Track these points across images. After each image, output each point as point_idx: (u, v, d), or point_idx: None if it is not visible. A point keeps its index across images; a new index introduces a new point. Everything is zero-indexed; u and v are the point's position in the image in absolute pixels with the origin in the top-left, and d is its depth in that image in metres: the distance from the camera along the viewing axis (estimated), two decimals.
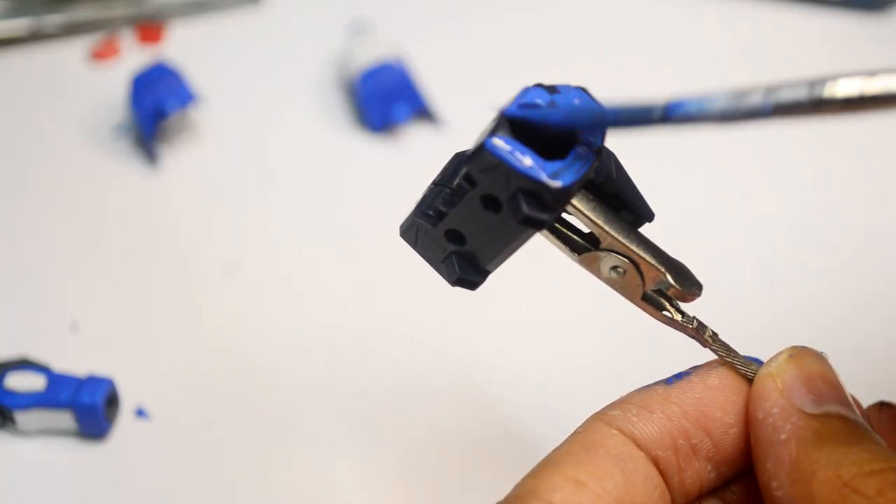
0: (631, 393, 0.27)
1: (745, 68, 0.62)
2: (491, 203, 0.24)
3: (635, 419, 0.26)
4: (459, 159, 0.25)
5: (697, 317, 0.27)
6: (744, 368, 0.26)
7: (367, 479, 0.41)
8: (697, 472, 0.26)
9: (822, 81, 0.20)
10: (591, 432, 0.25)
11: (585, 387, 0.43)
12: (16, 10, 0.63)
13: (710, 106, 0.21)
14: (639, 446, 0.25)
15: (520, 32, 0.64)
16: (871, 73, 0.20)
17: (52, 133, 0.58)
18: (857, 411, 0.25)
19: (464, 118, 0.57)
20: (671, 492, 0.26)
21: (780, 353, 0.26)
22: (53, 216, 0.53)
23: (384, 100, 0.56)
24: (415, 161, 0.56)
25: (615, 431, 0.25)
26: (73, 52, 0.62)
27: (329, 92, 0.60)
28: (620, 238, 0.25)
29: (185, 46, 0.62)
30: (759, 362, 0.26)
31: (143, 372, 0.44)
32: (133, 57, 0.62)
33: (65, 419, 0.41)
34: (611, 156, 0.25)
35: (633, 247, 0.25)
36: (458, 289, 0.27)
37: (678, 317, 0.27)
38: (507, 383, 0.44)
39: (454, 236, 0.26)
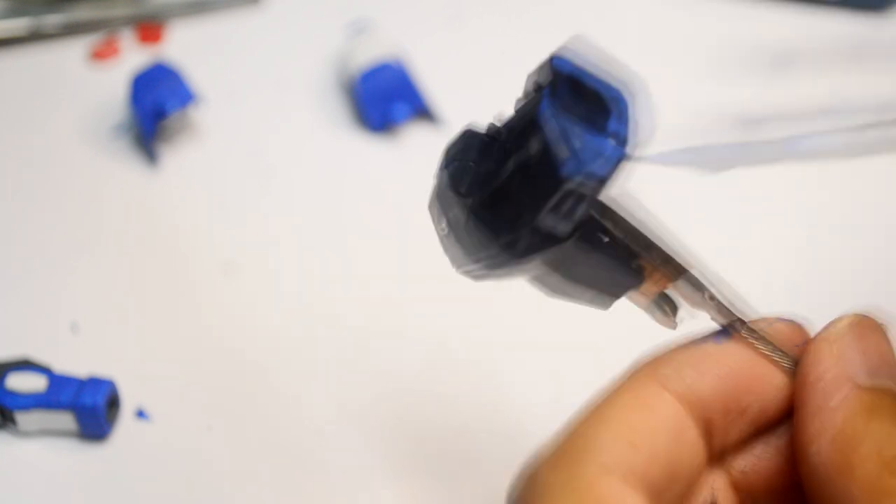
0: (682, 349, 0.26)
1: (745, 68, 0.62)
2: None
3: (689, 381, 0.25)
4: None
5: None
6: (771, 353, 0.26)
7: (370, 478, 0.41)
8: (739, 434, 0.26)
9: None
10: (643, 392, 0.25)
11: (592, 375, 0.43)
12: (15, 10, 0.63)
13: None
14: (690, 410, 0.25)
15: (520, 32, 0.64)
16: None
17: (51, 133, 0.58)
18: None
19: (464, 118, 0.57)
20: (709, 456, 0.26)
21: (842, 317, 0.26)
22: (53, 216, 0.53)
23: (384, 100, 0.56)
24: (415, 161, 0.56)
25: (668, 395, 0.25)
26: (73, 52, 0.62)
27: (329, 92, 0.60)
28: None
29: (185, 46, 0.62)
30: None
31: (143, 373, 0.45)
32: (133, 57, 0.62)
33: (66, 420, 0.41)
34: None
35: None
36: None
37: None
38: (510, 379, 0.44)
39: None
